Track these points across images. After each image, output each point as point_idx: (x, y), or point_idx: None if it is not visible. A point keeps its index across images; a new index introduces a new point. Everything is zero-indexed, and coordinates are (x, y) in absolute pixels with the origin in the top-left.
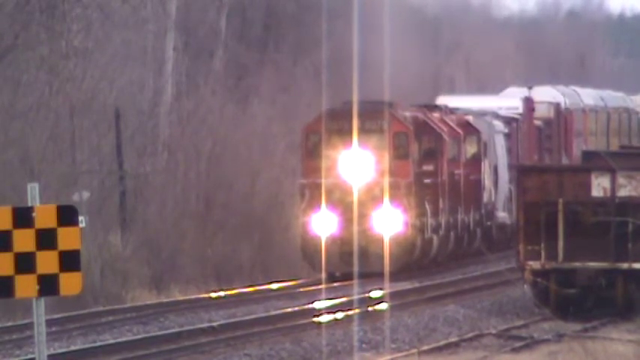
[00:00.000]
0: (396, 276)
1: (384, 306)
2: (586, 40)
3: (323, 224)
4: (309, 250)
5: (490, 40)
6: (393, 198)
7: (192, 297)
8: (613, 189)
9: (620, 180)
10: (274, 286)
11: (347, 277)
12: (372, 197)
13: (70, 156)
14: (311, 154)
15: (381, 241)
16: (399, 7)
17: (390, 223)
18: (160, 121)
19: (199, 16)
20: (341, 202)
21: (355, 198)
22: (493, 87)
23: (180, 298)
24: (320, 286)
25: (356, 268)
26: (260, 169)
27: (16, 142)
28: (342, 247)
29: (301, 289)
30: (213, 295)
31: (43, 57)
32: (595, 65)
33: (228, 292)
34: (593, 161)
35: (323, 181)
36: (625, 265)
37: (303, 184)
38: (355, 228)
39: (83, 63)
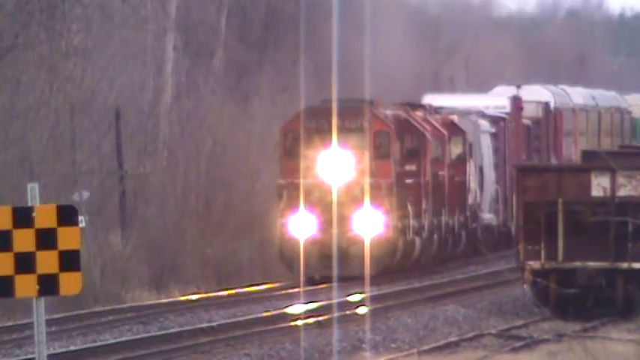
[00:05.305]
0: (388, 278)
1: (382, 306)
2: (586, 39)
3: (301, 226)
4: (287, 252)
5: (490, 40)
6: (374, 199)
7: (192, 297)
8: (613, 189)
9: (620, 180)
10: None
11: (326, 280)
12: (352, 198)
13: (70, 156)
14: (289, 153)
15: (362, 243)
16: (400, 7)
17: (370, 224)
18: (160, 121)
19: (199, 16)
20: (320, 203)
21: (335, 199)
22: (493, 87)
23: (181, 298)
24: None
25: (335, 271)
26: (260, 169)
27: (16, 142)
28: (321, 250)
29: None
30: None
31: (42, 57)
32: (595, 65)
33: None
34: (592, 161)
35: (301, 181)
36: (625, 265)
37: (281, 184)
38: (335, 230)
39: (83, 63)
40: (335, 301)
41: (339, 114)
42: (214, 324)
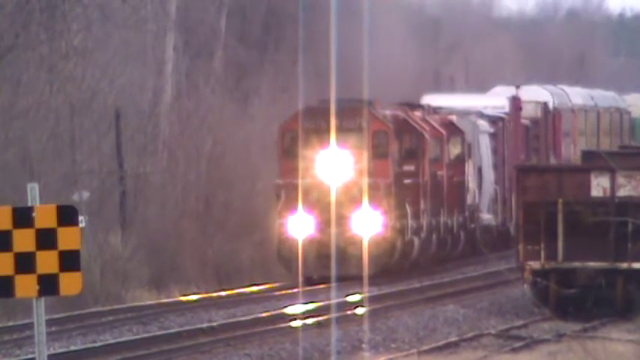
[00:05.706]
0: (388, 278)
1: (381, 306)
2: (586, 40)
3: (300, 226)
4: (285, 252)
5: (490, 40)
6: (372, 199)
7: (193, 297)
8: (612, 189)
9: (620, 180)
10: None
11: (325, 280)
12: (350, 198)
13: (70, 156)
14: (287, 153)
15: (360, 243)
16: (400, 6)
17: (368, 224)
18: (160, 121)
19: (199, 16)
20: (318, 203)
21: (333, 199)
22: (492, 87)
23: (181, 298)
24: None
25: (334, 271)
26: (260, 169)
27: (16, 142)
28: (319, 250)
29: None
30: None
31: (43, 57)
32: (595, 65)
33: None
34: (592, 161)
35: (300, 181)
36: (624, 265)
37: (279, 184)
38: (333, 230)
39: (83, 63)
40: (334, 301)
41: (337, 114)
42: (214, 324)
